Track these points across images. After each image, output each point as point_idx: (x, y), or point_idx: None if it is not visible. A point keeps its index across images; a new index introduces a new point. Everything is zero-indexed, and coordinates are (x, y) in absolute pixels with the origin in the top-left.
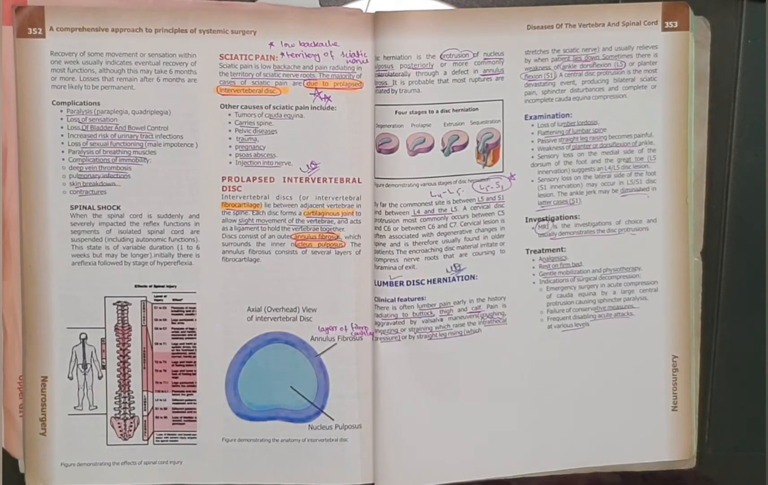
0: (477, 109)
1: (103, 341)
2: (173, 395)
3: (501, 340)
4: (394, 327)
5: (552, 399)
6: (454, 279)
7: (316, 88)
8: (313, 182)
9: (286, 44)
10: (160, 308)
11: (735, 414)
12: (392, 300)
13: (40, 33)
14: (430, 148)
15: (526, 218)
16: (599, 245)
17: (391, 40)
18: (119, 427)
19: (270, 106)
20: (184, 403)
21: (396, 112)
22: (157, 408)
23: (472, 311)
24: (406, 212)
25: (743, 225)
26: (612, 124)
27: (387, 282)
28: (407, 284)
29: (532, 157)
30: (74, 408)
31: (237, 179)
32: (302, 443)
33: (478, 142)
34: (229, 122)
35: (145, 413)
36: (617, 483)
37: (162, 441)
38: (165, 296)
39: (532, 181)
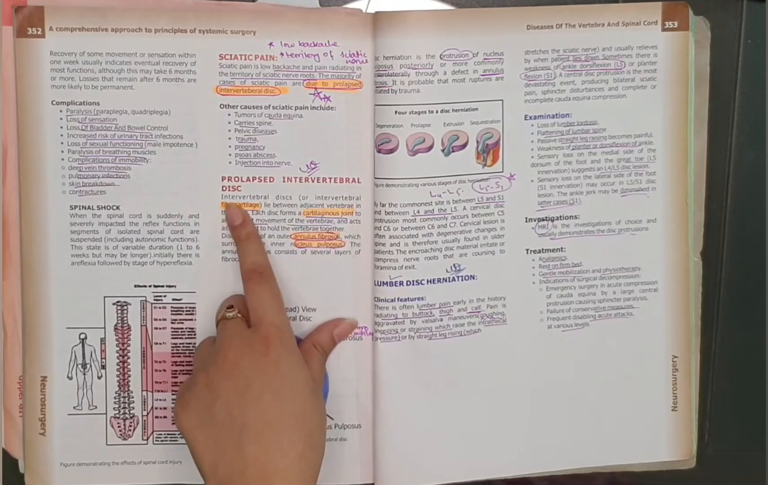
0: (477, 109)
1: (103, 341)
2: (173, 395)
3: (501, 340)
4: (394, 327)
5: (552, 399)
6: (453, 279)
7: (315, 88)
8: (313, 182)
9: (285, 44)
10: (159, 308)
11: (735, 414)
12: (392, 300)
13: (39, 33)
14: (430, 148)
15: (526, 218)
16: (599, 245)
17: (391, 40)
18: (119, 427)
19: (270, 106)
20: None
21: (396, 112)
22: (156, 408)
23: (472, 311)
24: (405, 212)
25: (743, 225)
26: (612, 124)
27: (387, 282)
28: (407, 284)
29: (532, 157)
30: (74, 407)
31: (237, 179)
32: None
33: (477, 142)
34: (229, 122)
35: (145, 413)
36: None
37: (162, 440)
38: (164, 296)
39: (532, 181)
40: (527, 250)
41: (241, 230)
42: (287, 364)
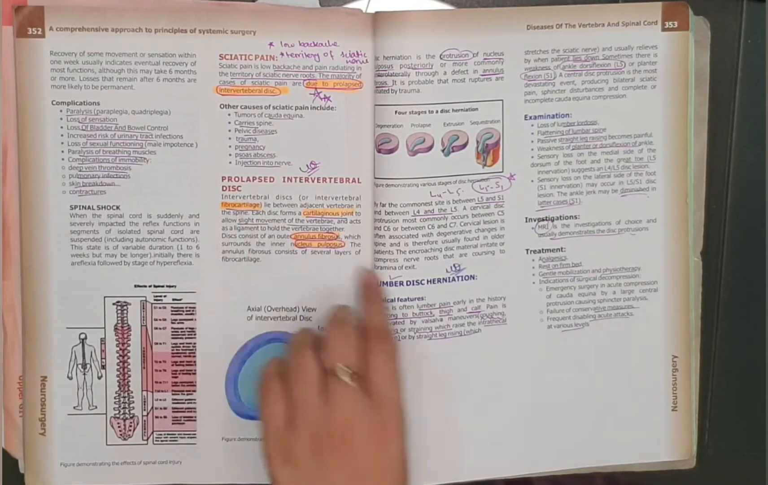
0: (477, 109)
1: (103, 341)
2: (173, 394)
3: (501, 340)
4: (394, 327)
5: (552, 399)
6: (453, 279)
7: (315, 88)
8: (313, 181)
9: (285, 44)
10: (159, 308)
11: (735, 414)
12: (392, 300)
13: (39, 33)
14: (430, 148)
15: (526, 218)
16: (599, 245)
17: (391, 40)
18: (119, 427)
19: (270, 106)
20: (183, 403)
21: (396, 112)
22: (156, 408)
23: (471, 311)
24: (405, 212)
25: (743, 225)
26: (612, 124)
27: (387, 282)
28: (407, 284)
29: (532, 157)
30: (74, 407)
31: (237, 179)
32: None
33: (477, 142)
34: (229, 122)
35: (145, 413)
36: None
37: (162, 440)
38: (165, 296)
39: (532, 181)
40: (527, 250)
41: (372, 291)
42: (403, 456)
